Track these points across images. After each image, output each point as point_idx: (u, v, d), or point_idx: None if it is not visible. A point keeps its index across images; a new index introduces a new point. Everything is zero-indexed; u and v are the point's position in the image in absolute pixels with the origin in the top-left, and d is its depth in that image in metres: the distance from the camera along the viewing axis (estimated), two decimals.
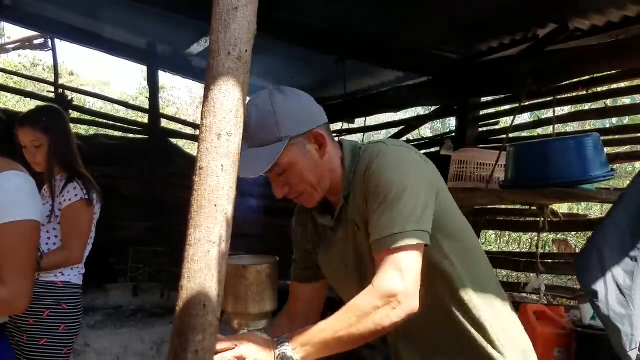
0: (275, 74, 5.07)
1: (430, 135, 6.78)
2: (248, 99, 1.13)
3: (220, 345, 1.15)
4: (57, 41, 5.70)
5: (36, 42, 7.26)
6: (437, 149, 4.60)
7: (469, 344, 1.36)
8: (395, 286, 1.17)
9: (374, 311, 1.17)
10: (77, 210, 2.43)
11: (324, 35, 3.80)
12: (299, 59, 4.60)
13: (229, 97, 0.97)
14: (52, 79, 5.82)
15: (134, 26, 4.97)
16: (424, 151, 4.48)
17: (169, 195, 5.41)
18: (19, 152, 2.51)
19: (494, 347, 1.36)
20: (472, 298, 1.35)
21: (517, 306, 4.04)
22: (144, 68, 5.67)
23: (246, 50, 0.99)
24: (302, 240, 1.55)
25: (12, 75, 7.90)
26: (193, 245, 0.95)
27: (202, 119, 0.98)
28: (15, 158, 2.37)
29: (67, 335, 2.42)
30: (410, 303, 1.18)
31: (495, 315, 1.38)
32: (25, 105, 10.19)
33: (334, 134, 1.47)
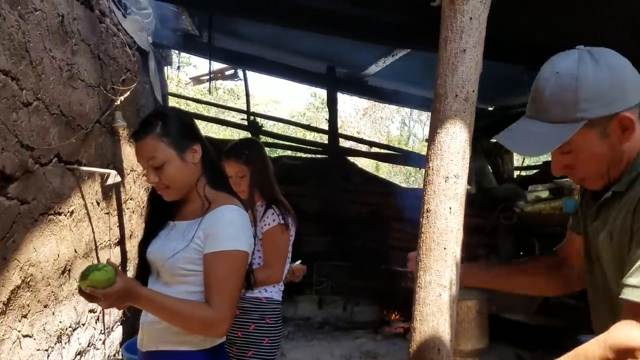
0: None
1: None
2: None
3: None
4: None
5: (227, 73, 8.09)
6: None
7: None
8: (636, 342, 1.05)
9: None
10: (275, 234, 2.61)
11: (510, 46, 3.64)
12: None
13: (456, 139, 0.97)
14: (232, 101, 6.37)
15: (314, 52, 5.26)
16: None
17: (347, 212, 5.60)
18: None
19: None
20: None
21: None
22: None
23: (473, 91, 0.98)
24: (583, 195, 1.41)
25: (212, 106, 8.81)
26: (423, 288, 0.96)
27: (427, 161, 0.99)
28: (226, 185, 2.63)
29: (271, 348, 2.59)
30: None
31: None
32: (207, 130, 11.38)
33: None
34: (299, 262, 3.04)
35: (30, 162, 2.04)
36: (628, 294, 1.07)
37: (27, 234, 2.01)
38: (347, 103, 19.91)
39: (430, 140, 0.99)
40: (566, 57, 1.12)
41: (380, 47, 4.31)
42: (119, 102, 2.80)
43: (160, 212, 1.85)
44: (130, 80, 3.40)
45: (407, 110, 21.68)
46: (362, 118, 20.40)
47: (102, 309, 1.62)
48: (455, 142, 0.97)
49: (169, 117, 1.75)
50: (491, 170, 5.98)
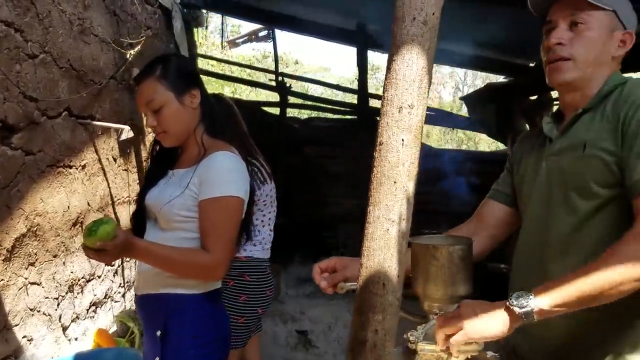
0: (474, 37, 4.77)
1: None
2: None
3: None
4: (278, 32, 6.20)
5: (261, 34, 8.02)
6: None
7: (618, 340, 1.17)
8: None
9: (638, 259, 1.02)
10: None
11: None
12: (504, 19, 4.22)
13: (412, 66, 0.90)
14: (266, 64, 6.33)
15: (344, 9, 5.13)
16: None
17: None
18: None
19: None
20: None
21: None
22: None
23: (433, 13, 0.91)
24: (512, 163, 1.49)
25: (244, 67, 8.85)
26: (372, 223, 0.92)
27: (384, 91, 0.93)
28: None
29: (247, 305, 2.51)
30: None
31: None
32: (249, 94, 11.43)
33: None
34: None
35: (36, 114, 2.08)
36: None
37: (33, 185, 2.06)
38: None
39: (387, 69, 0.93)
40: None
41: None
42: (128, 55, 2.81)
43: (162, 162, 1.87)
44: (150, 37, 3.41)
45: (461, 75, 21.05)
46: None
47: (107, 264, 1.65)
48: (411, 70, 0.90)
49: (170, 60, 1.76)
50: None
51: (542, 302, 1.04)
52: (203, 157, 1.70)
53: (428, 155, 5.34)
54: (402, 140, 0.90)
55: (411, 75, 0.91)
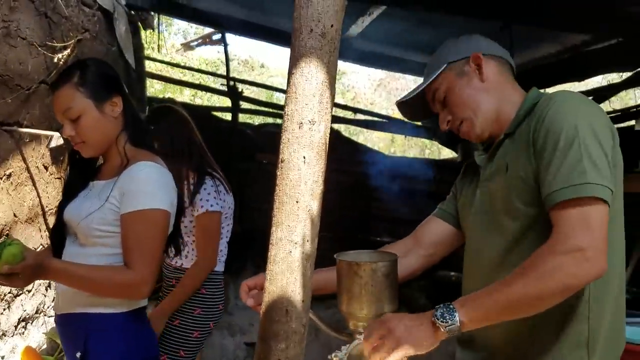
0: (421, 44, 4.79)
1: (620, 107, 5.93)
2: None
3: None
4: (231, 36, 6.10)
5: (214, 37, 7.90)
6: (632, 123, 4.02)
7: (554, 333, 1.17)
8: (583, 239, 1.01)
9: (557, 268, 1.01)
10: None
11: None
12: (450, 27, 4.26)
13: (312, 80, 0.86)
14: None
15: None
16: (615, 125, 3.94)
17: (329, 181, 5.50)
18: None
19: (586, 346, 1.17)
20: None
21: None
22: None
23: (332, 25, 0.87)
24: (456, 190, 1.52)
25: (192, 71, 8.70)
26: (275, 245, 0.87)
27: (284, 106, 0.89)
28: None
29: (202, 319, 2.42)
30: (600, 262, 1.01)
31: (605, 308, 1.18)
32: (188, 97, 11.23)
33: None
34: None
35: None
36: (555, 200, 1.06)
37: None
38: (362, 74, 19.62)
39: (287, 83, 0.89)
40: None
41: (356, 6, 4.13)
42: (56, 59, 2.68)
43: (82, 172, 1.77)
44: (89, 40, 3.28)
45: None
46: (377, 89, 19.98)
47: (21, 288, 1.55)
48: (311, 84, 0.86)
49: (88, 66, 1.66)
50: None
51: (463, 317, 1.05)
52: (125, 168, 1.62)
53: (394, 163, 5.35)
54: (304, 157, 0.86)
55: (311, 90, 0.86)
